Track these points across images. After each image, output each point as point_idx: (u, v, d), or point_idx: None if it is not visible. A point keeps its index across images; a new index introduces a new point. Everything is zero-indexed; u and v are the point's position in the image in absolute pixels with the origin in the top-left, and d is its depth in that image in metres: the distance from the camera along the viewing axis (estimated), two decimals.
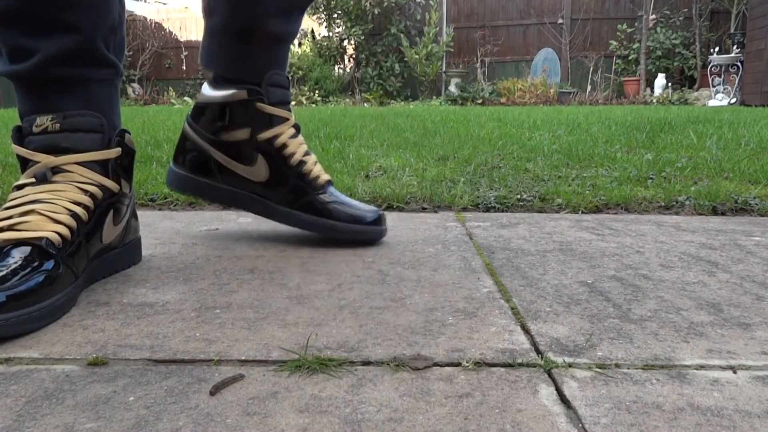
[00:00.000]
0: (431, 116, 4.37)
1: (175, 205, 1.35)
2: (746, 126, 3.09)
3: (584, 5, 8.77)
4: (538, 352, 0.58)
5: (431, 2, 9.08)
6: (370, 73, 9.27)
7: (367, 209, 0.98)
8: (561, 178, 1.60)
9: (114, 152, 0.78)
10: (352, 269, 0.85)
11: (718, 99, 7.26)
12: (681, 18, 8.35)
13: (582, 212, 1.27)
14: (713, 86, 7.42)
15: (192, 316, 0.67)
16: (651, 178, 1.60)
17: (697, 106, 6.54)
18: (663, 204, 1.31)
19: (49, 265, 0.66)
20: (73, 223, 0.71)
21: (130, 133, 0.82)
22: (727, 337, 0.61)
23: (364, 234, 0.97)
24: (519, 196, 1.36)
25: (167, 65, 10.22)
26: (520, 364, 0.55)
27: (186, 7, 10.43)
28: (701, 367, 0.55)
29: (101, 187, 0.76)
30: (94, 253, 0.76)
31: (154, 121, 4.04)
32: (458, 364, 0.55)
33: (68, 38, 0.74)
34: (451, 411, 0.47)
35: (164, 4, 11.54)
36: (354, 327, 0.64)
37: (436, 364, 0.55)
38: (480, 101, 8.33)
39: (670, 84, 8.12)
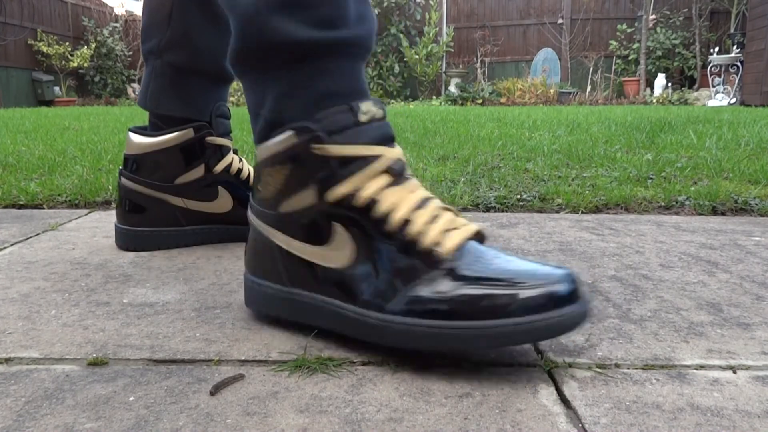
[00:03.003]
0: (431, 116, 4.37)
1: None
2: (746, 126, 3.09)
3: (584, 5, 8.78)
4: (538, 351, 0.58)
5: (431, 2, 9.08)
6: (370, 73, 9.27)
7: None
8: (561, 178, 1.60)
9: None
10: None
11: (718, 99, 7.26)
12: (681, 18, 8.36)
13: (582, 212, 1.27)
14: (713, 86, 7.42)
15: (192, 316, 0.67)
16: (651, 178, 1.60)
17: (696, 106, 6.54)
18: (663, 204, 1.31)
19: None
20: None
21: None
22: (727, 337, 0.61)
23: (545, 329, 0.51)
24: (519, 196, 1.36)
25: None
26: (520, 364, 0.55)
27: None
28: (701, 367, 0.55)
29: None
30: None
31: None
32: (458, 364, 0.55)
33: None
34: (451, 411, 0.47)
35: None
36: None
37: (436, 364, 0.55)
38: (480, 101, 8.33)
39: (670, 84, 8.12)
